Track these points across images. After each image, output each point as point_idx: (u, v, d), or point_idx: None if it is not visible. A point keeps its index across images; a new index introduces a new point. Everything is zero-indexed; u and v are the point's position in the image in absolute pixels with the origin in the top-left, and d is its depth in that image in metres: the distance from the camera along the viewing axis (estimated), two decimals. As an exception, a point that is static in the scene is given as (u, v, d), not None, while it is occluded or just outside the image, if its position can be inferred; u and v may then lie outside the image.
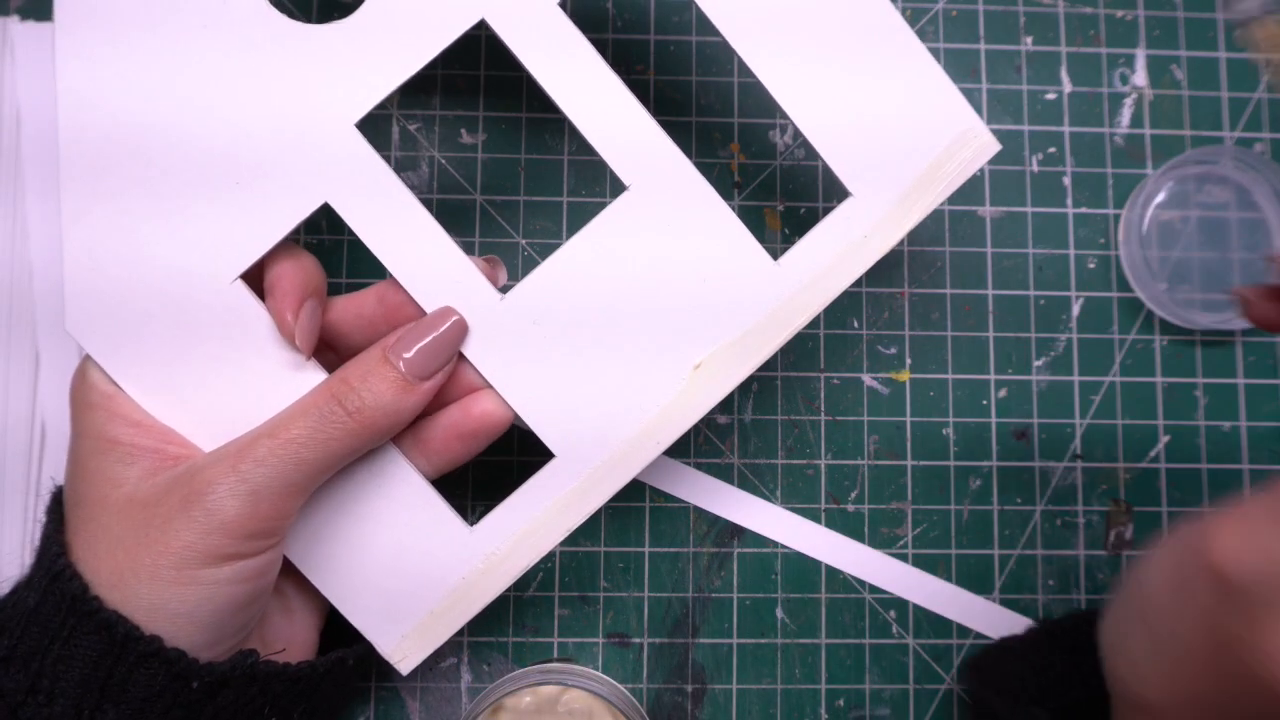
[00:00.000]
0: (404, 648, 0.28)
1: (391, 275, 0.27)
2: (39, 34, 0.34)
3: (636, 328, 0.27)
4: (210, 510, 0.23)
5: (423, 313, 0.27)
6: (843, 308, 0.34)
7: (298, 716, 0.26)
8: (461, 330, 0.26)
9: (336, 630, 0.29)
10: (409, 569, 0.28)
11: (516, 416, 0.28)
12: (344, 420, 0.25)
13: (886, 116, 0.27)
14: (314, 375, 0.27)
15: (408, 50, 0.26)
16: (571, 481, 0.28)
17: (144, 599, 0.23)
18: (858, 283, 0.34)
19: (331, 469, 0.25)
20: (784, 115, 0.35)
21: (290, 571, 0.28)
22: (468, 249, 0.34)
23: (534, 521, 0.28)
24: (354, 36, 0.26)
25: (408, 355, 0.25)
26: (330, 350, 0.28)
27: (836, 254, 0.27)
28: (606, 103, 0.27)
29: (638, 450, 0.28)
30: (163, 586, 0.23)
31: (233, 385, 0.27)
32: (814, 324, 0.34)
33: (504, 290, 0.28)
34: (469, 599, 0.28)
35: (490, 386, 0.28)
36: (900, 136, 0.27)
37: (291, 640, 0.28)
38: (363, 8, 0.26)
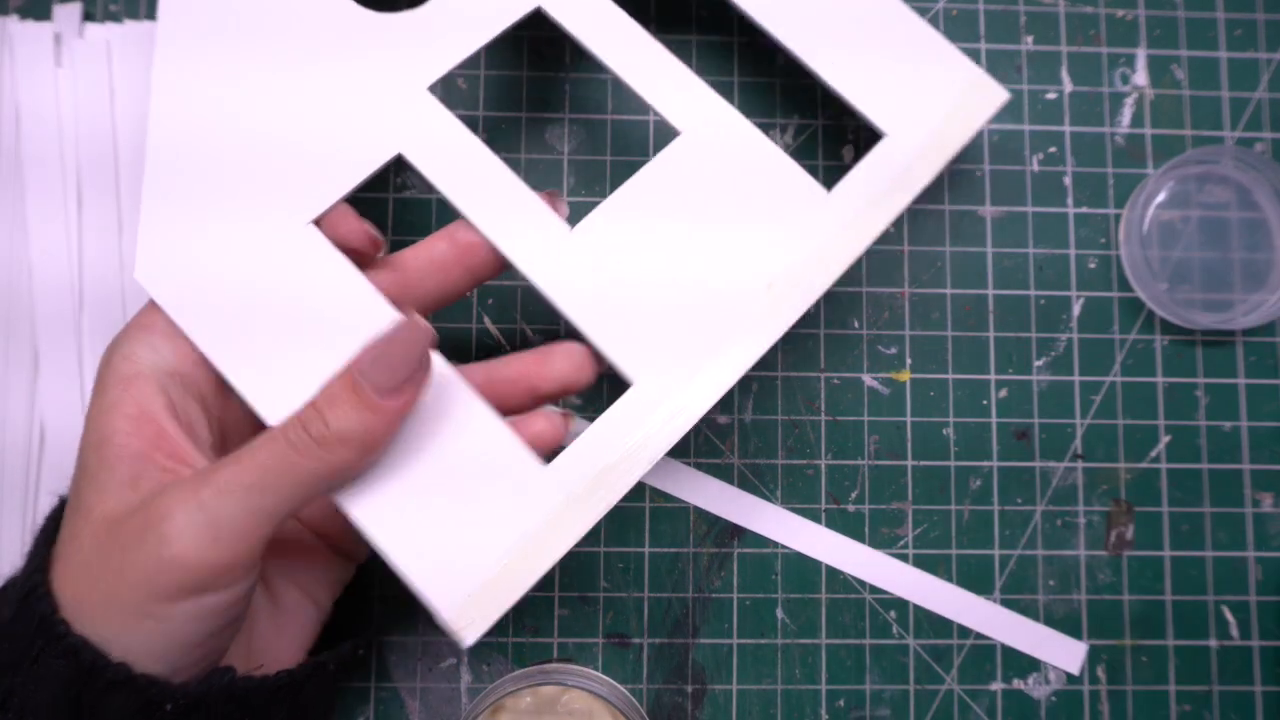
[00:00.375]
0: (469, 612, 0.24)
1: (463, 217, 0.28)
2: (39, 34, 0.34)
3: (705, 253, 0.28)
4: (165, 540, 0.22)
5: (495, 253, 0.27)
6: (843, 308, 0.34)
7: None
8: (427, 337, 0.24)
9: (329, 630, 0.29)
10: (474, 512, 0.25)
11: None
12: (310, 447, 0.23)
13: (903, 72, 0.30)
14: (388, 315, 0.26)
15: (474, 28, 0.29)
16: (653, 409, 0.27)
17: (100, 627, 0.22)
18: (858, 282, 0.35)
19: (300, 499, 0.23)
20: (784, 115, 0.35)
21: (284, 573, 0.27)
22: (468, 249, 0.34)
23: (615, 455, 0.26)
24: (425, 21, 0.29)
25: (370, 370, 0.23)
26: (406, 304, 0.27)
27: (884, 181, 0.29)
28: (652, 62, 0.29)
29: (722, 373, 0.27)
30: (118, 617, 0.22)
31: (302, 332, 0.26)
32: (814, 323, 0.34)
33: (570, 224, 0.28)
34: (544, 547, 0.25)
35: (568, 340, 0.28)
36: (919, 87, 0.30)
37: (280, 647, 0.27)
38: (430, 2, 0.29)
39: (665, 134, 0.35)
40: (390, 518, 0.25)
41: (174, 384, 0.25)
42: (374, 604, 0.30)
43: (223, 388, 0.26)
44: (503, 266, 0.28)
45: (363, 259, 0.27)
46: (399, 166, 0.34)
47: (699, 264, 0.28)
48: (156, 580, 0.22)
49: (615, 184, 0.35)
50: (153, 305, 0.26)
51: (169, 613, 0.22)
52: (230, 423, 0.27)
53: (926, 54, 0.31)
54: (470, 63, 0.34)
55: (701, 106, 0.29)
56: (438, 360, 0.26)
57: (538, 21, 0.30)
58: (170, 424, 0.24)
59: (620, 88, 0.35)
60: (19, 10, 0.34)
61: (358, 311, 0.26)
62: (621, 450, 0.26)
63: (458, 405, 0.26)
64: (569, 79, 0.35)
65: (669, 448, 0.26)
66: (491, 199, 0.28)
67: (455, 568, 0.25)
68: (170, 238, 0.26)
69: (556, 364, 0.27)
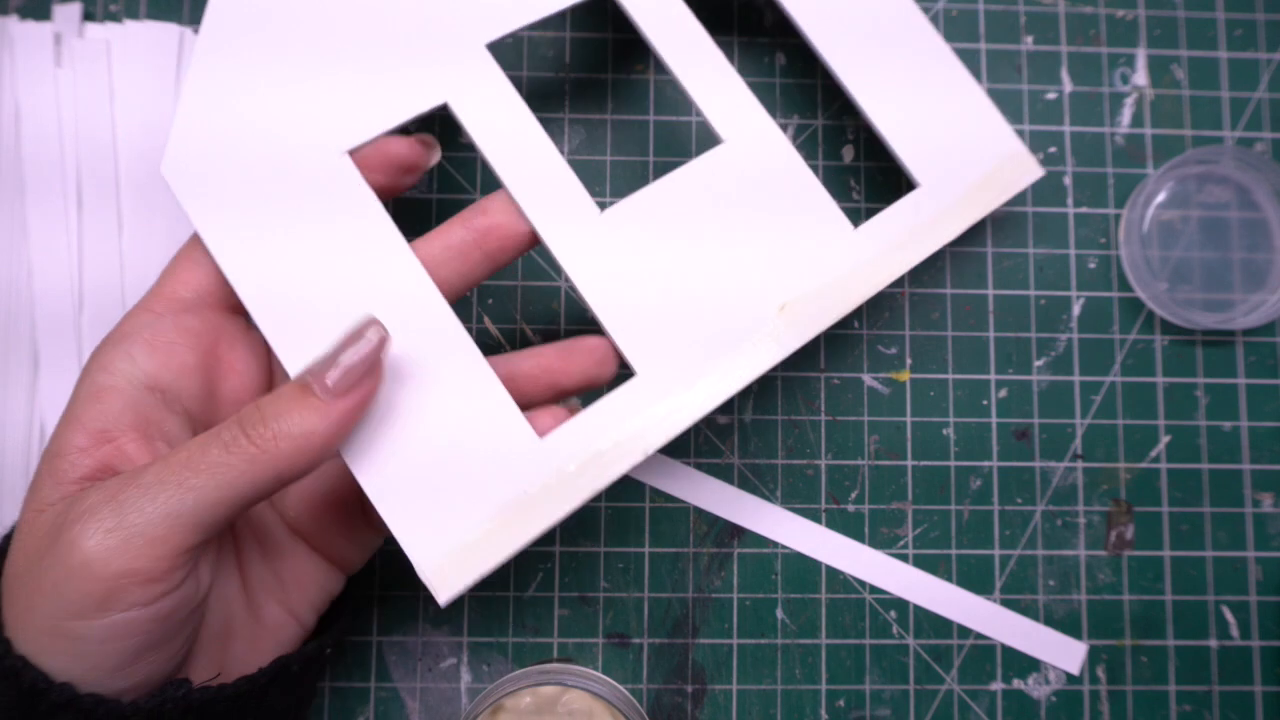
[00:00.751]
0: (447, 570, 0.24)
1: (478, 202, 0.28)
2: (38, 34, 0.34)
3: (725, 263, 0.29)
4: (73, 545, 0.20)
5: (514, 236, 0.27)
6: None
7: None
8: (382, 342, 0.23)
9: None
10: (465, 473, 0.25)
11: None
12: (245, 447, 0.21)
13: (949, 131, 0.32)
14: (406, 261, 0.26)
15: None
16: (650, 404, 0.27)
17: (31, 647, 0.21)
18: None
19: (232, 505, 0.21)
20: (784, 115, 0.35)
21: (269, 587, 0.26)
22: (468, 249, 0.34)
23: (609, 440, 0.26)
24: None
25: (319, 369, 0.23)
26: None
27: (908, 229, 0.30)
28: (709, 66, 0.30)
29: (722, 382, 0.28)
30: (35, 637, 0.20)
31: (321, 259, 0.26)
32: (814, 324, 0.34)
33: (603, 208, 0.28)
34: (528, 518, 0.25)
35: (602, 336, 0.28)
36: (961, 148, 0.32)
37: (253, 663, 0.25)
38: None
39: (705, 141, 0.35)
40: (383, 470, 0.25)
41: (150, 398, 0.23)
42: (347, 602, 0.29)
43: (211, 397, 0.25)
44: (521, 250, 0.28)
45: (415, 169, 0.27)
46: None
47: (719, 271, 0.28)
48: (65, 592, 0.20)
49: (614, 189, 0.35)
50: (136, 311, 0.25)
51: (82, 631, 0.20)
52: None
53: (974, 116, 0.32)
54: (513, 61, 0.34)
55: (749, 120, 0.30)
56: (452, 323, 0.26)
57: (583, 18, 0.30)
58: (134, 444, 0.23)
59: (662, 87, 0.35)
60: (19, 10, 0.34)
61: (376, 249, 0.26)
62: (616, 437, 0.26)
63: (466, 370, 0.26)
64: (611, 79, 0.35)
65: (664, 443, 0.27)
66: (528, 168, 0.28)
67: (439, 526, 0.25)
68: (204, 138, 0.26)
69: (579, 359, 0.27)
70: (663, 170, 0.35)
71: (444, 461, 0.25)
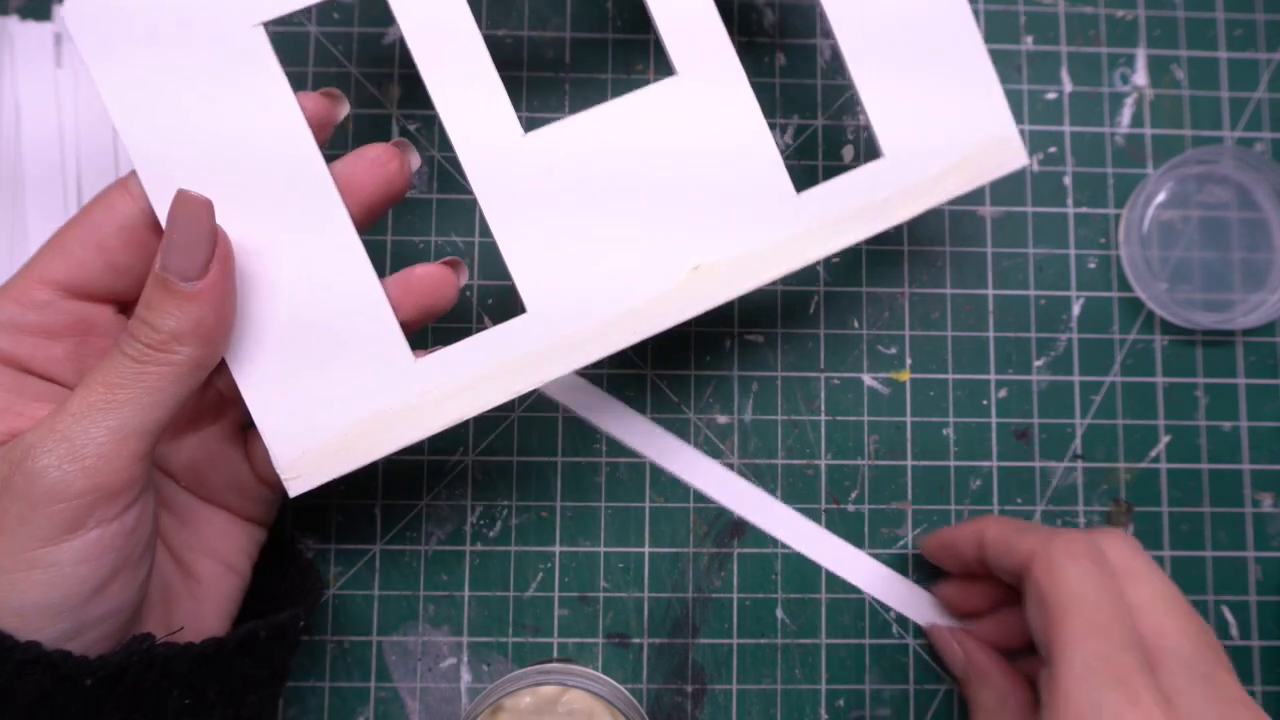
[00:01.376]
0: (301, 465, 0.25)
1: (422, 81, 0.26)
2: (39, 34, 0.34)
3: (646, 211, 0.27)
4: (33, 477, 0.21)
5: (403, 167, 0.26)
6: (842, 308, 0.34)
7: (215, 698, 0.24)
8: (201, 206, 0.23)
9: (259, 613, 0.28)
10: (337, 378, 0.25)
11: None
12: (149, 354, 0.22)
13: (938, 101, 0.29)
14: (307, 153, 0.25)
15: None
16: (535, 343, 0.26)
17: None
18: (858, 282, 0.35)
19: (163, 407, 0.23)
20: (784, 115, 0.35)
21: (189, 544, 0.27)
22: (468, 247, 0.34)
23: (483, 371, 0.26)
24: None
25: (170, 262, 0.23)
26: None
27: (855, 207, 0.28)
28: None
29: (613, 331, 0.27)
30: (4, 580, 0.21)
31: (219, 126, 0.25)
32: (814, 323, 0.34)
33: (529, 130, 0.26)
34: (390, 432, 0.26)
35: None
36: (945, 122, 0.29)
37: (202, 617, 0.26)
38: None
39: None
40: (258, 364, 0.25)
41: (8, 333, 0.24)
42: (315, 576, 0.29)
43: (82, 325, 0.25)
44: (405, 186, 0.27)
45: (326, 124, 0.26)
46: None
47: (636, 217, 0.27)
48: (35, 522, 0.21)
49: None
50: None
51: (56, 556, 0.21)
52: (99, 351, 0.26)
53: (973, 92, 0.29)
54: (513, 61, 0.34)
55: (709, 51, 0.27)
56: (347, 234, 0.25)
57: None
58: (18, 376, 0.24)
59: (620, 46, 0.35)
60: (19, 10, 0.34)
61: (278, 132, 0.25)
62: (495, 364, 0.26)
63: (353, 279, 0.25)
64: (611, 79, 0.35)
65: (539, 384, 0.26)
66: (453, 69, 0.26)
67: (302, 423, 0.25)
68: None
69: (414, 293, 0.27)
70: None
71: (319, 365, 0.25)
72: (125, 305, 0.26)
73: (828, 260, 0.35)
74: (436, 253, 0.34)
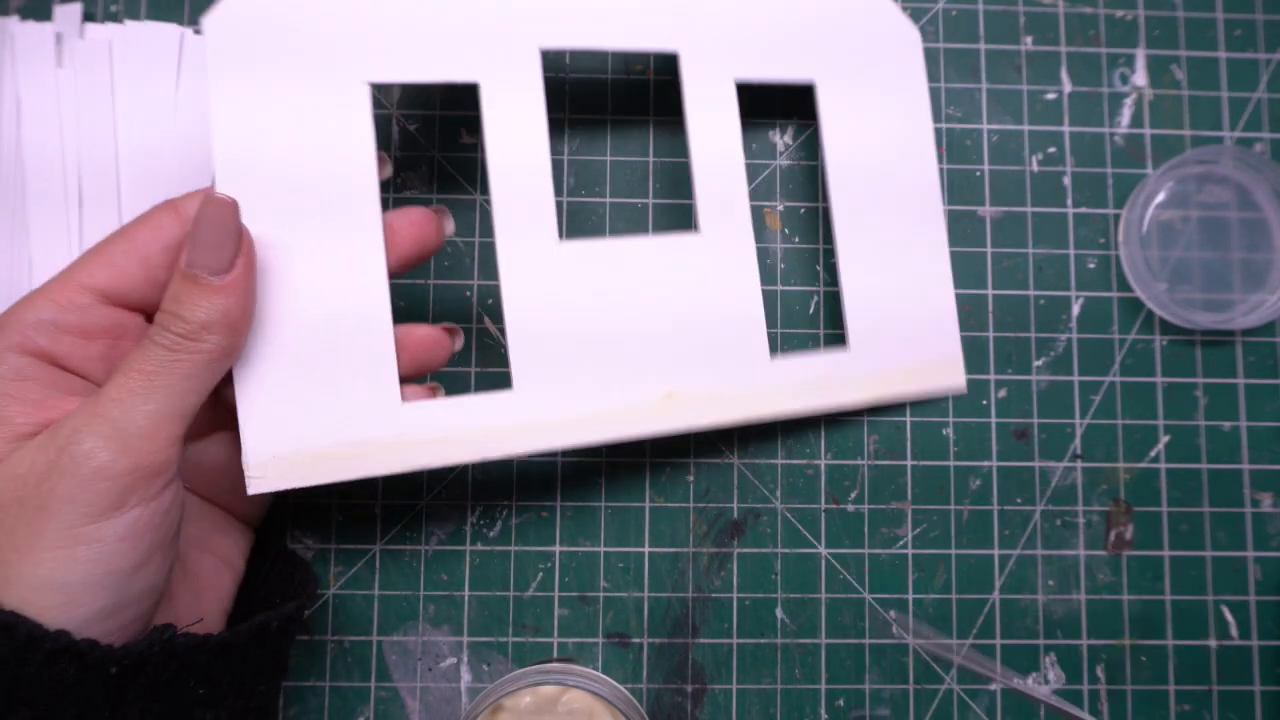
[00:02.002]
0: (267, 467, 0.27)
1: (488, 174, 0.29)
2: (40, 34, 0.34)
3: (639, 333, 0.30)
4: (81, 459, 0.22)
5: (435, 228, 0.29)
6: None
7: (227, 687, 0.25)
8: (227, 205, 0.25)
9: (246, 607, 0.29)
10: (326, 399, 0.27)
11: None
12: (181, 344, 0.24)
13: (905, 318, 0.33)
14: (369, 196, 0.28)
15: (613, 22, 0.30)
16: (514, 418, 0.29)
17: (30, 578, 0.22)
18: (858, 283, 0.35)
19: (195, 393, 0.24)
20: (784, 115, 0.35)
21: (196, 542, 0.28)
22: (467, 249, 0.34)
23: (460, 432, 0.28)
24: None
25: (197, 257, 0.25)
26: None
27: (817, 382, 0.32)
28: (726, 166, 0.31)
29: (585, 427, 0.29)
30: (47, 555, 0.22)
31: (303, 155, 0.28)
32: (814, 323, 0.34)
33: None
34: (361, 461, 0.27)
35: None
36: (905, 337, 0.33)
37: (201, 611, 0.27)
38: None
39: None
40: (256, 365, 0.27)
41: (49, 331, 0.25)
42: (322, 571, 0.30)
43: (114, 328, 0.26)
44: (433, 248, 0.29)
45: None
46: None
47: (629, 335, 0.30)
48: (82, 500, 0.22)
49: (614, 188, 0.35)
50: (40, 301, 0.25)
51: (101, 533, 0.23)
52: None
53: (934, 308, 0.33)
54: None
55: (731, 227, 0.31)
56: (380, 265, 0.28)
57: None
58: (56, 371, 0.25)
59: (662, 88, 0.35)
60: (19, 10, 0.34)
61: (349, 172, 0.28)
62: (471, 430, 0.28)
63: (370, 310, 0.28)
64: (611, 79, 0.35)
65: (512, 454, 0.29)
66: (517, 177, 0.29)
67: (281, 429, 0.27)
68: (253, 14, 0.27)
69: (409, 350, 0.29)
70: (662, 170, 0.35)
71: (314, 382, 0.27)
72: (153, 315, 0.27)
73: (828, 260, 0.35)
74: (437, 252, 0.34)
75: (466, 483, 0.33)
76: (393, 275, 0.28)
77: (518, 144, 0.29)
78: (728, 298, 0.31)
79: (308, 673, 0.32)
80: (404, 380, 0.29)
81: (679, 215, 0.35)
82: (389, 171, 0.29)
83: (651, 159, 0.35)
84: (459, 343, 0.30)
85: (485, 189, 0.35)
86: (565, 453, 0.33)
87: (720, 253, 0.31)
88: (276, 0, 0.28)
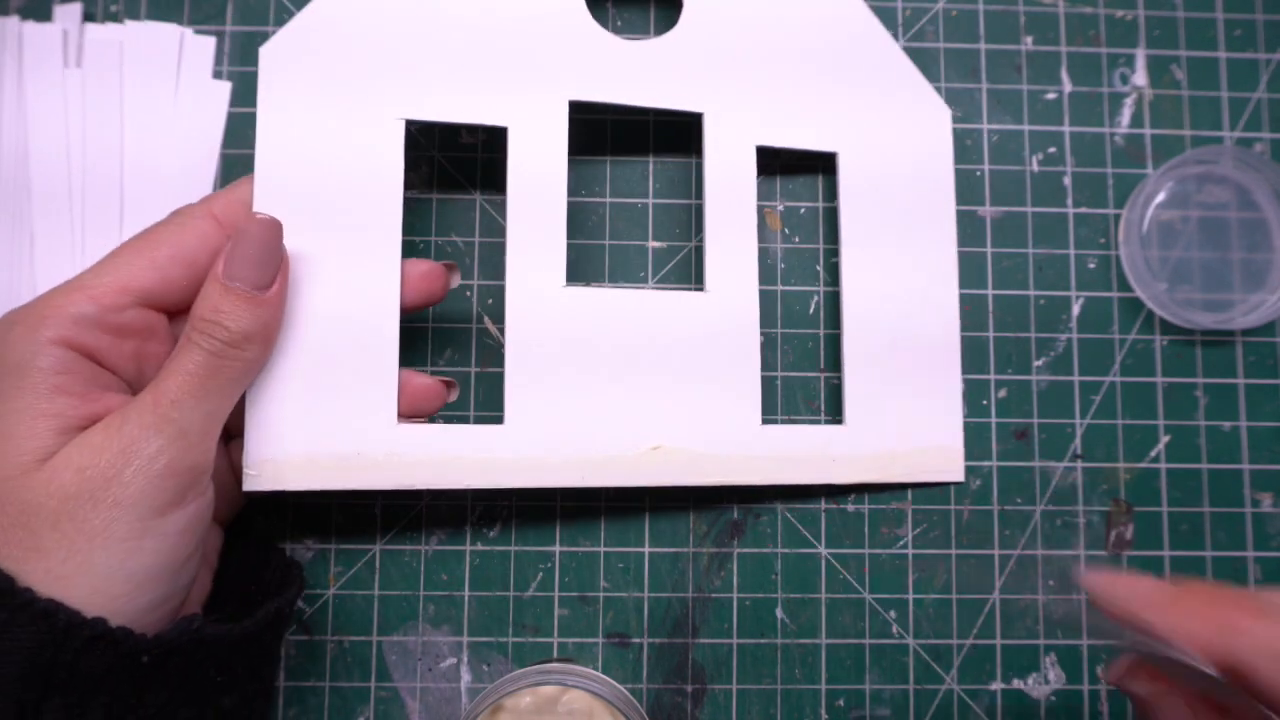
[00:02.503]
0: (262, 467, 0.28)
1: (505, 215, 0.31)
2: (46, 34, 0.34)
3: (632, 384, 0.31)
4: (155, 455, 0.24)
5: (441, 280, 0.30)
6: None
7: (242, 673, 0.26)
8: (274, 227, 0.27)
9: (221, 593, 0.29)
10: (324, 410, 0.29)
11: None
12: (226, 350, 0.25)
13: (906, 401, 0.33)
14: (391, 229, 0.29)
15: (657, 85, 0.32)
16: (506, 453, 0.30)
17: (101, 567, 0.23)
18: (858, 283, 0.35)
19: (233, 398, 0.26)
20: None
21: None
22: (468, 247, 0.34)
23: (452, 459, 0.29)
24: (644, 51, 0.32)
25: (240, 271, 0.26)
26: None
27: (807, 455, 0.32)
28: (739, 229, 0.32)
29: (570, 471, 0.30)
30: (121, 545, 0.23)
31: (338, 181, 0.29)
32: (814, 323, 0.34)
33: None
34: (348, 473, 0.29)
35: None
36: (905, 419, 0.33)
37: (187, 608, 0.27)
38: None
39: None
40: (271, 371, 0.28)
41: (90, 329, 0.25)
42: (322, 571, 0.30)
43: (138, 384, 0.27)
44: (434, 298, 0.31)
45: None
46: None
47: (623, 385, 0.30)
48: (152, 495, 0.24)
49: (615, 188, 0.35)
50: (75, 295, 0.26)
51: (166, 526, 0.24)
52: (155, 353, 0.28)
53: (937, 400, 0.33)
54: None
55: (739, 290, 0.32)
56: (394, 295, 0.29)
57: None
58: (94, 367, 0.25)
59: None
60: (20, 11, 0.34)
61: (376, 197, 0.29)
62: (461, 458, 0.29)
63: (378, 336, 0.29)
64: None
65: (495, 486, 0.29)
66: (532, 220, 0.30)
67: (283, 434, 0.28)
68: (305, 45, 0.29)
69: (406, 396, 0.30)
70: (661, 171, 0.35)
71: (317, 394, 0.28)
72: (175, 314, 0.28)
73: (828, 260, 0.35)
74: (437, 252, 0.34)
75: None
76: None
77: (538, 188, 0.30)
78: (726, 360, 0.31)
79: (308, 673, 0.32)
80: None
81: (679, 215, 0.35)
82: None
83: (651, 159, 0.35)
84: (454, 395, 0.31)
85: (486, 189, 0.35)
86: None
87: (725, 314, 0.31)
88: (326, 37, 0.30)
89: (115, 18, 0.34)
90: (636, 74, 0.32)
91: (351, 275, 0.29)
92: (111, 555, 0.23)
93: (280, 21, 0.35)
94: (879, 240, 0.33)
